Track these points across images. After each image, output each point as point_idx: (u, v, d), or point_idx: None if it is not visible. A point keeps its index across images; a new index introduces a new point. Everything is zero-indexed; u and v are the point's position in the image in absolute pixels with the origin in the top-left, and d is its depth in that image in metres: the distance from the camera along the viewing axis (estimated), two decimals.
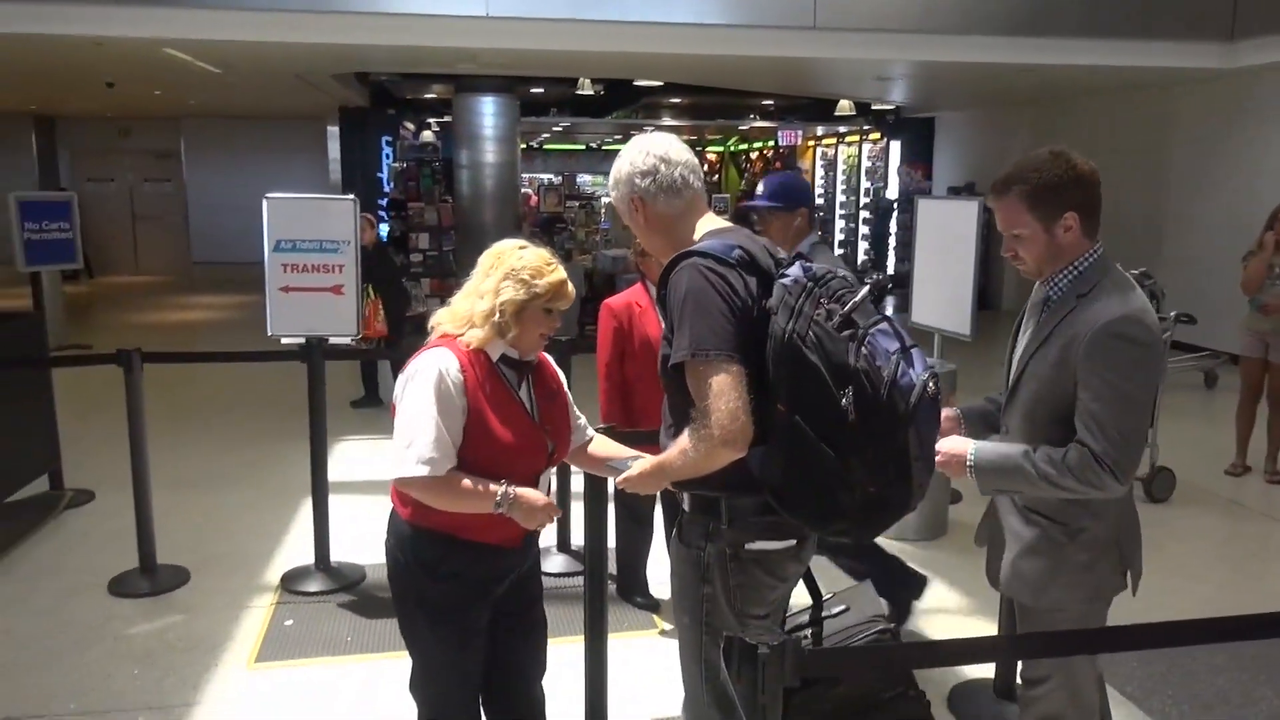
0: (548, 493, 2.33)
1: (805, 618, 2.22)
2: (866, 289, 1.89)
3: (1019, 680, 2.39)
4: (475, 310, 2.23)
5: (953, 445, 2.21)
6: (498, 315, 2.20)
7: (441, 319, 2.29)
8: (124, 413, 4.18)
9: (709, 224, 2.11)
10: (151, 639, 3.80)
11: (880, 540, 4.80)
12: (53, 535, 4.87)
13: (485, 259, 2.29)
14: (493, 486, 2.15)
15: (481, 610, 2.34)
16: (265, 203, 4.20)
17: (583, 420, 2.49)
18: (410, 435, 2.14)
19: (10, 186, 10.16)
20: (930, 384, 1.82)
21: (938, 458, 2.17)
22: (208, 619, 3.95)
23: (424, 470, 2.12)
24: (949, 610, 4.15)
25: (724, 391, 1.83)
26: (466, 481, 2.16)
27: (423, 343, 2.30)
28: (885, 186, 15.36)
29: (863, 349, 1.79)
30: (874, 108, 14.41)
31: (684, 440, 1.91)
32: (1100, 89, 10.73)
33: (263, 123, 16.38)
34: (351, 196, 4.36)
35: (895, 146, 15.23)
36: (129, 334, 10.42)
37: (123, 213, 17.16)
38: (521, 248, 2.28)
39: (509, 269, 2.22)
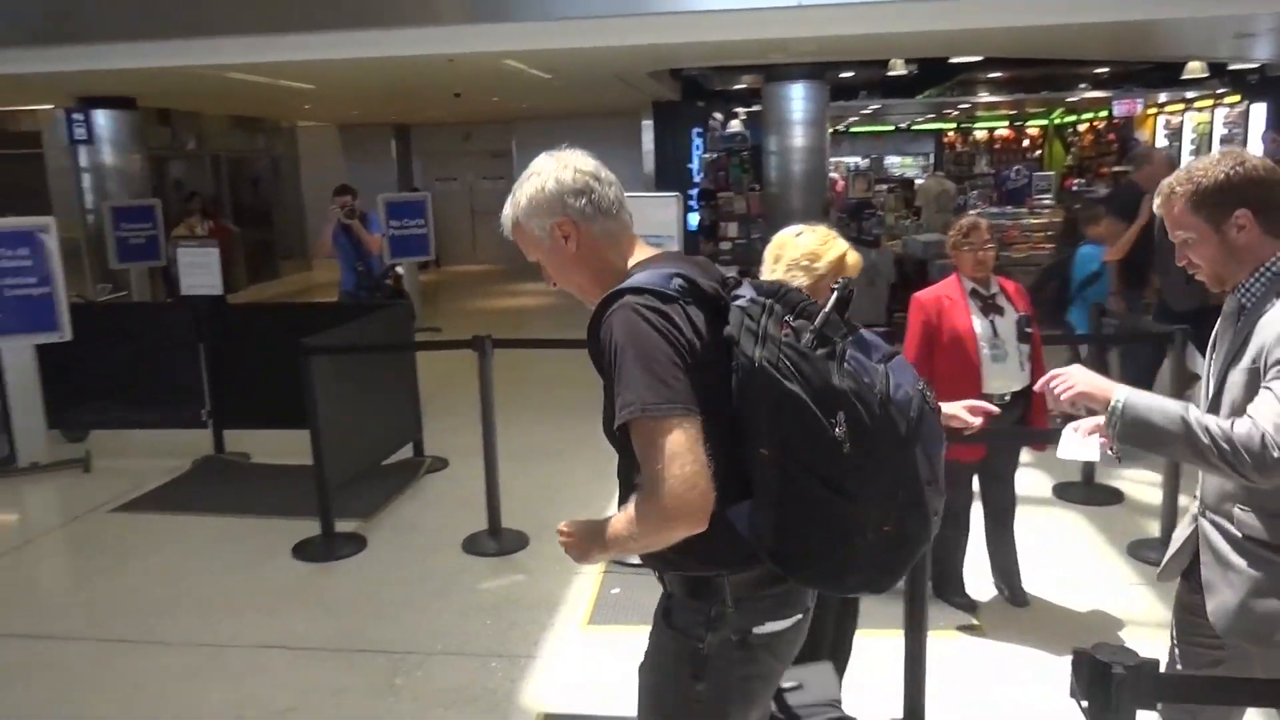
0: None
1: None
2: (834, 297, 1.62)
3: None
4: None
5: (1092, 380, 1.98)
6: None
7: None
8: (468, 388, 4.71)
9: (640, 253, 1.83)
10: (499, 594, 4.26)
11: None
12: (415, 497, 5.58)
13: (769, 252, 2.46)
14: None
15: None
16: None
17: None
18: None
19: (375, 190, 11.66)
20: (927, 394, 1.63)
21: (1064, 388, 1.98)
22: (546, 581, 4.36)
23: None
24: None
25: (678, 454, 1.55)
26: None
27: None
28: None
29: (845, 365, 1.56)
30: (1231, 68, 12.76)
31: (631, 509, 1.64)
32: None
33: (583, 120, 17.41)
34: (676, 194, 4.60)
35: (1258, 110, 13.37)
36: (469, 318, 11.60)
37: (463, 208, 19.06)
38: (798, 235, 2.44)
39: (790, 260, 2.39)
